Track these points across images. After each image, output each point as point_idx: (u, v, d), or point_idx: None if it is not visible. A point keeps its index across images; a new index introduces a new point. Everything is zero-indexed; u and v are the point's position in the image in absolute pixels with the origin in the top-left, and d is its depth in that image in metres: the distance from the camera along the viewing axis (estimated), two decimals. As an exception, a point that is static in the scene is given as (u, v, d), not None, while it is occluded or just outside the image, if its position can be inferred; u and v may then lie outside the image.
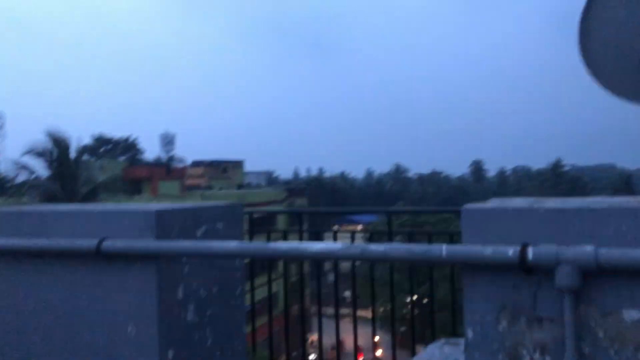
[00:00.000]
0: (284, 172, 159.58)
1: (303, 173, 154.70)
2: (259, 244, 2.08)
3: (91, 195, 24.72)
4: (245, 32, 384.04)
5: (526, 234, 1.74)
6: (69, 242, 2.27)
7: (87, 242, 2.21)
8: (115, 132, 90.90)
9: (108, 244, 2.18)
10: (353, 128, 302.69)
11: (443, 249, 1.77)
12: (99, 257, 2.21)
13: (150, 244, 2.14)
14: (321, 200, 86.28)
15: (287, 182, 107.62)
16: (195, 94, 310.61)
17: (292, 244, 2.07)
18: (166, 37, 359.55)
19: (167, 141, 53.16)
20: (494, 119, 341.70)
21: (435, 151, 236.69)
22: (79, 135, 57.31)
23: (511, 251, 1.68)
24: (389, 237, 4.72)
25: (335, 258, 2.09)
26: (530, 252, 1.66)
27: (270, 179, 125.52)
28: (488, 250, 1.70)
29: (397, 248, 1.87)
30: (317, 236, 4.82)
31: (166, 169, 44.59)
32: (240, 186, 54.94)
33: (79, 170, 25.26)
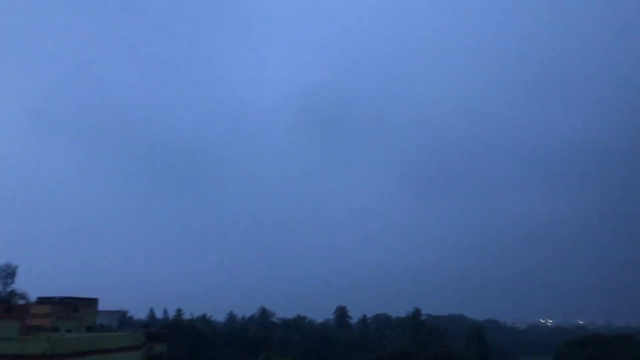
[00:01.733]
0: (138, 312, 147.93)
1: (160, 314, 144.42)
2: None
3: None
4: (108, 166, 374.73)
5: None
6: None
7: None
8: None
9: None
10: (215, 267, 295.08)
11: None
12: None
13: None
14: (181, 345, 79.74)
15: (143, 324, 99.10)
16: (45, 222, 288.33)
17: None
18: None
19: (7, 274, 47.13)
20: (357, 265, 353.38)
21: (301, 295, 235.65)
22: None
23: None
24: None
25: None
26: None
27: (123, 320, 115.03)
28: None
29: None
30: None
31: (5, 306, 38.68)
32: (90, 328, 49.20)
33: None
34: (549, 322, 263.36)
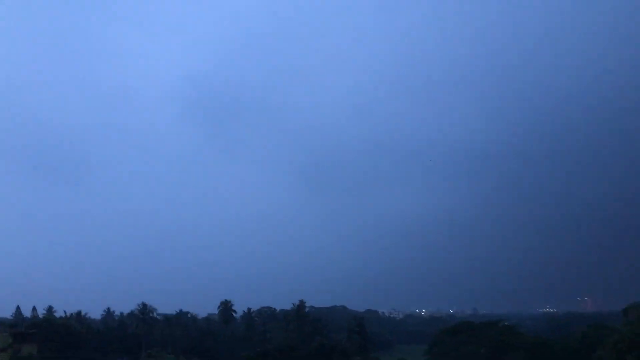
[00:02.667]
0: (3, 310, 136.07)
1: (27, 312, 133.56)
2: None
3: None
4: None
5: None
6: None
7: None
8: None
9: None
10: (91, 261, 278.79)
11: None
12: None
13: None
14: (54, 345, 74.45)
15: (9, 324, 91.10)
16: None
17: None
18: None
19: None
20: (242, 259, 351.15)
21: (183, 289, 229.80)
22: None
23: None
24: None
25: None
26: None
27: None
28: None
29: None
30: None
31: None
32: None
33: None
34: (423, 312, 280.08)
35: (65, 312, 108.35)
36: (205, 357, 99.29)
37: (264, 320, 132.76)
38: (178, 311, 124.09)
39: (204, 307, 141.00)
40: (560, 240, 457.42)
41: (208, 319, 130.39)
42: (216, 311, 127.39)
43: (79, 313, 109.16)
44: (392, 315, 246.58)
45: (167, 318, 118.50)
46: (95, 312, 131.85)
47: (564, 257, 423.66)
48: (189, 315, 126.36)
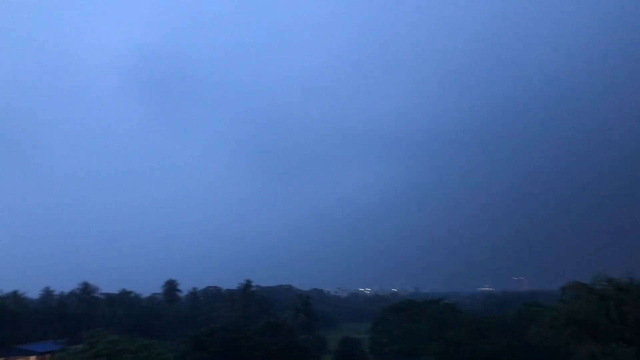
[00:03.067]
0: None
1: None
2: None
3: None
4: None
5: None
6: None
7: None
8: None
9: None
10: (29, 238, 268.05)
11: None
12: None
13: None
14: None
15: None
16: None
17: None
18: None
19: None
20: (188, 239, 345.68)
21: (127, 269, 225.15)
22: None
23: None
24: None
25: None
26: None
27: None
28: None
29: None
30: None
31: None
32: None
33: None
34: (367, 291, 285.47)
35: (0, 290, 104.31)
36: (149, 336, 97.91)
37: (209, 299, 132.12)
38: (121, 290, 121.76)
39: (147, 286, 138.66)
40: (497, 223, 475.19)
41: (152, 298, 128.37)
42: (160, 291, 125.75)
43: (15, 292, 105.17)
44: (337, 294, 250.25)
45: (109, 297, 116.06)
46: (33, 292, 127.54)
47: (501, 239, 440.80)
48: (132, 295, 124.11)
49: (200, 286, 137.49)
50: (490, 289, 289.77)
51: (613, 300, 22.14)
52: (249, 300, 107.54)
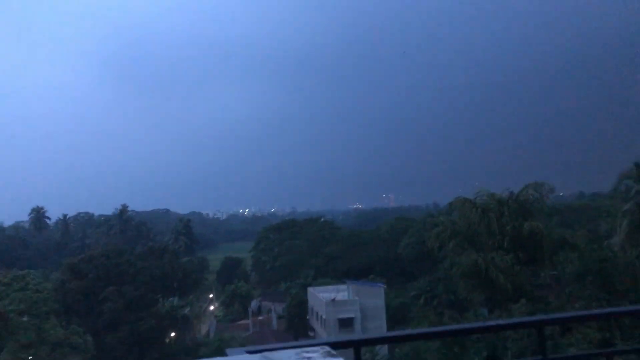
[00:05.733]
0: None
1: None
2: None
3: None
4: None
5: None
6: None
7: None
8: None
9: None
10: None
11: None
12: None
13: None
14: None
15: None
16: None
17: None
18: None
19: None
20: (53, 165, 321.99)
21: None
22: None
23: None
24: None
25: None
26: None
27: None
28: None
29: None
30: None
31: None
32: None
33: None
34: (246, 212, 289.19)
35: None
36: (17, 267, 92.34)
37: (81, 226, 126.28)
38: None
39: (11, 215, 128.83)
40: (365, 144, 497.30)
41: (17, 226, 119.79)
42: (27, 219, 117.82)
43: None
44: (216, 216, 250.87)
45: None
46: None
47: (369, 158, 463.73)
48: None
49: (71, 213, 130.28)
50: (361, 206, 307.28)
51: (493, 212, 24.87)
52: (126, 226, 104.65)
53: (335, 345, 2.32)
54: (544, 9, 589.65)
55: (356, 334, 35.74)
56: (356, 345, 2.62)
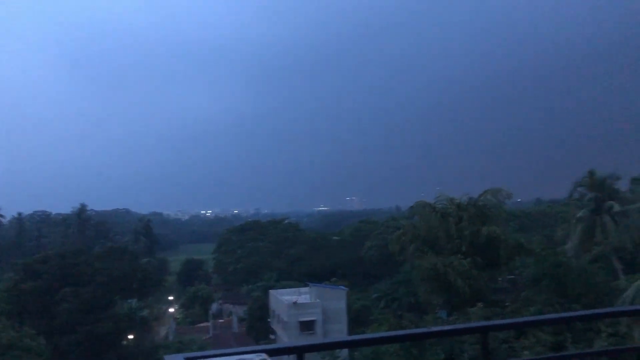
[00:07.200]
0: None
1: None
2: None
3: None
4: None
5: None
6: None
7: None
8: None
9: None
10: None
11: None
12: None
13: None
14: None
15: None
16: None
17: None
18: None
19: None
20: (7, 160, 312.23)
21: None
22: None
23: None
24: None
25: None
26: None
27: None
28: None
29: None
30: None
31: None
32: None
33: None
34: (208, 213, 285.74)
35: None
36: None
37: (37, 225, 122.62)
38: None
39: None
40: (329, 147, 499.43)
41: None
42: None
43: None
44: (177, 217, 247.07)
45: None
46: None
47: (335, 161, 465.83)
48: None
49: (27, 211, 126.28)
50: (326, 208, 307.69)
51: (453, 217, 25.28)
52: (84, 225, 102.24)
53: (276, 352, 2.31)
54: (493, 18, 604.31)
55: (300, 340, 35.78)
56: (299, 352, 2.60)
